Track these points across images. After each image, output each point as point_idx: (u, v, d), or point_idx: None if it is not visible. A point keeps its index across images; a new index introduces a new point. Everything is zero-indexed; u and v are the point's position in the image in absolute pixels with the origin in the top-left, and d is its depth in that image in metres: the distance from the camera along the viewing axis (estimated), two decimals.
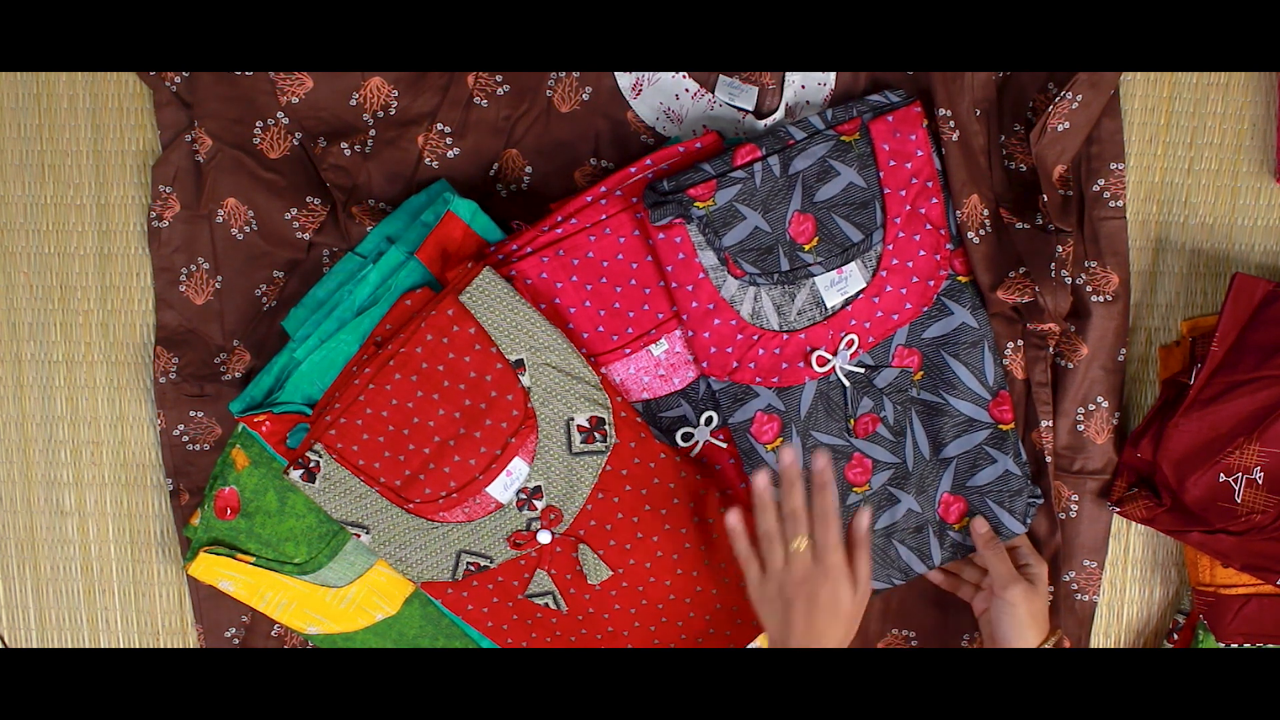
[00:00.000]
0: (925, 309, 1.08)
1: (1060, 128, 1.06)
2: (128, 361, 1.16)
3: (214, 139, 1.10)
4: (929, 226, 1.06)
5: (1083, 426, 1.11)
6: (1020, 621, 1.04)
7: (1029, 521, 1.10)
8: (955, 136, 1.06)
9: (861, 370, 1.07)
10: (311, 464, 1.04)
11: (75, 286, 1.16)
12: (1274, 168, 1.11)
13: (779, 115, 1.10)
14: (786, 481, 1.01)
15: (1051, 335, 1.09)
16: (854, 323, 1.07)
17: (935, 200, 1.06)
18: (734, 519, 1.03)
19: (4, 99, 1.14)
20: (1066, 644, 1.10)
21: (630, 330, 1.07)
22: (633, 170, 1.05)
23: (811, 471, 1.01)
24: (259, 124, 1.11)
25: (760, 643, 1.13)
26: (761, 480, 1.02)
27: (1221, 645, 1.10)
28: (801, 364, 1.06)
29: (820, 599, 0.98)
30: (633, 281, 1.06)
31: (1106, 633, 1.16)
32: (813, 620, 0.98)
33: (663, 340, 1.07)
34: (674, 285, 1.04)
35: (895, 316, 1.07)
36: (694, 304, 1.04)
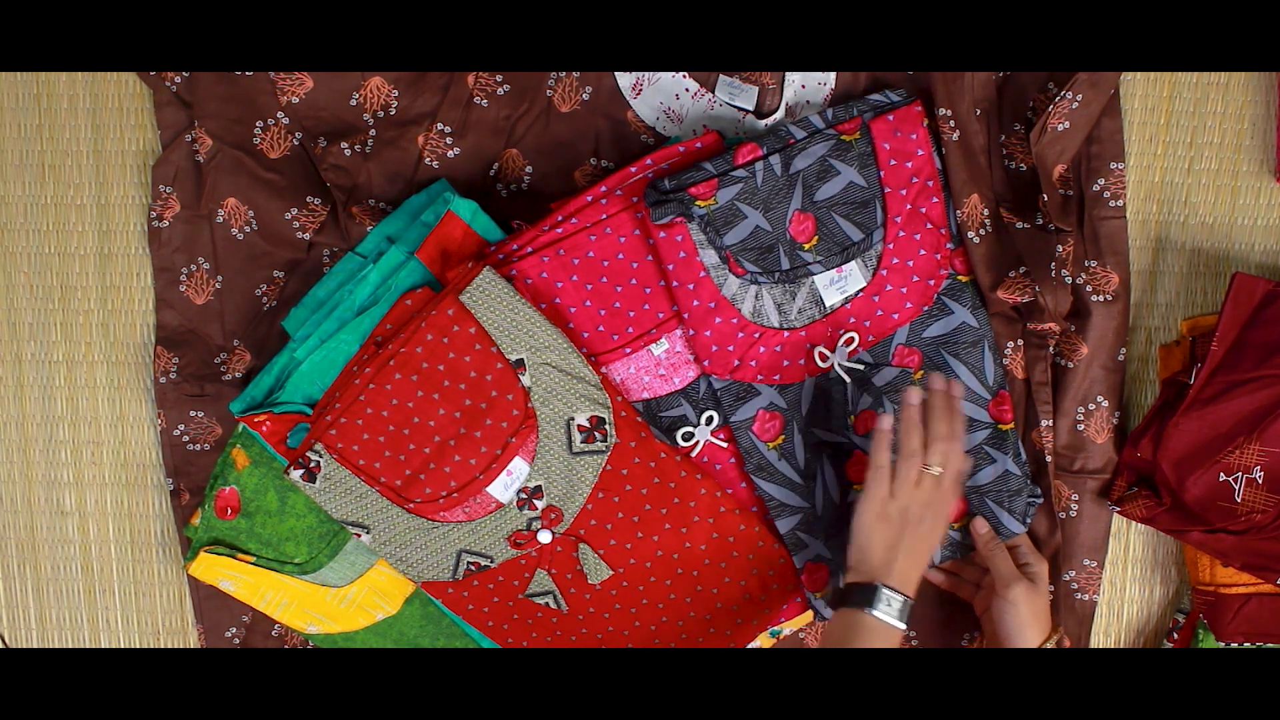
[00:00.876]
0: (925, 308, 1.08)
1: (1060, 127, 1.06)
2: (128, 361, 1.16)
3: (214, 139, 1.10)
4: (929, 226, 1.07)
5: (1083, 426, 1.11)
6: (1022, 620, 1.04)
7: (1029, 521, 1.10)
8: (955, 136, 1.06)
9: (860, 368, 1.07)
10: (312, 464, 1.04)
11: (75, 286, 1.16)
12: (1274, 167, 1.11)
13: (779, 115, 1.10)
14: (939, 407, 1.01)
15: (1051, 335, 1.09)
16: (853, 321, 1.07)
17: (936, 199, 1.06)
18: (887, 423, 1.01)
19: (4, 99, 1.14)
20: (1067, 643, 1.10)
21: (631, 330, 1.07)
22: (633, 170, 1.05)
23: (948, 397, 1.02)
24: (259, 124, 1.11)
25: (760, 642, 1.13)
26: (914, 396, 1.02)
27: (1221, 644, 1.10)
28: (802, 361, 1.07)
29: (931, 526, 1.00)
30: (633, 281, 1.06)
31: (1107, 632, 1.16)
32: (917, 547, 0.99)
33: (663, 340, 1.07)
34: (675, 284, 1.04)
35: (895, 316, 1.07)
36: (695, 302, 1.04)
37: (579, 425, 1.05)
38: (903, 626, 0.98)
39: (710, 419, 1.08)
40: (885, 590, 0.98)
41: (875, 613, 0.97)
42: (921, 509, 1.00)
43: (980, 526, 1.08)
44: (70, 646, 1.19)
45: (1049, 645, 1.04)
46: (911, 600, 0.98)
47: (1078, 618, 1.13)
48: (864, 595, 0.98)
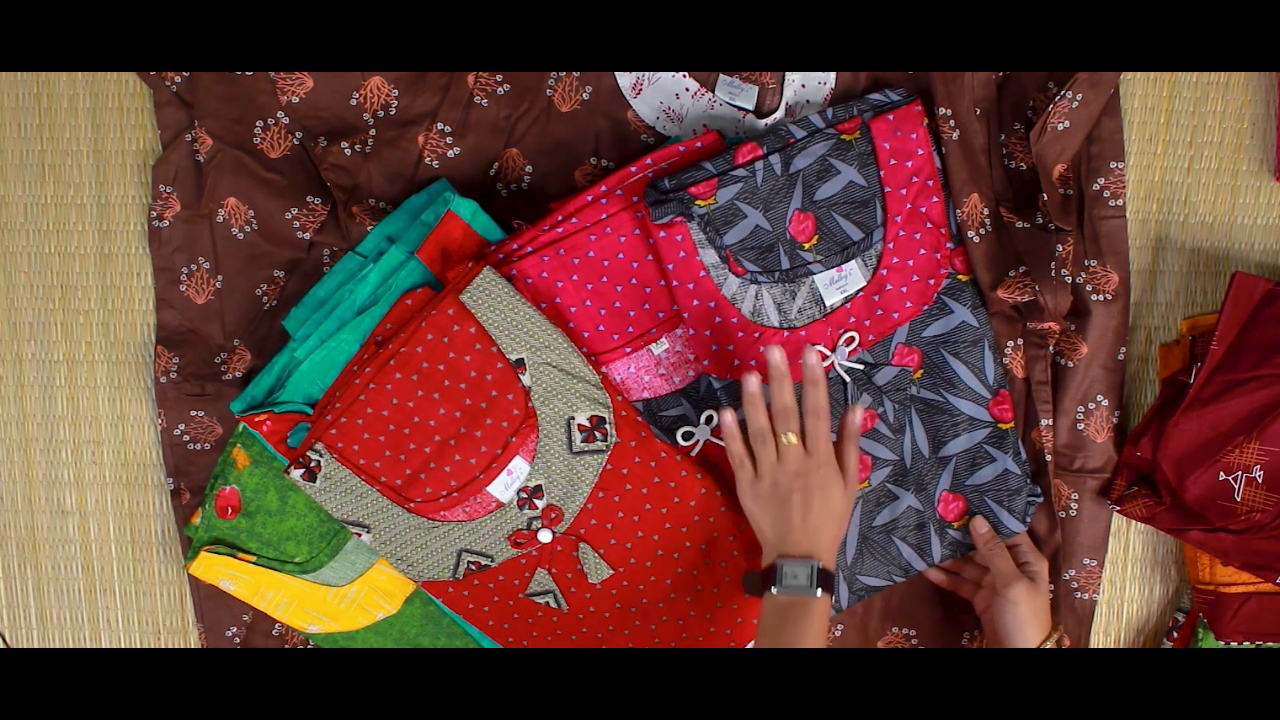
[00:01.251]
0: (925, 307, 1.08)
1: (1060, 127, 1.06)
2: (128, 361, 1.16)
3: (214, 139, 1.10)
4: (929, 225, 1.07)
5: (1082, 425, 1.11)
6: (1022, 619, 1.04)
7: (1028, 520, 1.10)
8: (955, 136, 1.06)
9: (860, 367, 1.07)
10: (312, 463, 1.04)
11: (76, 286, 1.16)
12: (1274, 167, 1.12)
13: (779, 115, 1.10)
14: (775, 378, 1.00)
15: (1051, 334, 1.09)
16: (853, 320, 1.07)
17: (936, 199, 1.06)
18: (730, 418, 1.01)
19: (4, 99, 1.14)
20: (1067, 642, 1.10)
21: (631, 329, 1.07)
22: (633, 169, 1.05)
23: (805, 368, 1.00)
24: (259, 124, 1.11)
25: None
26: (753, 381, 1.00)
27: (1221, 643, 1.10)
28: (802, 361, 1.06)
29: (813, 491, 0.98)
30: (633, 281, 1.06)
31: (1106, 631, 1.16)
32: (808, 514, 0.98)
33: (663, 339, 1.07)
34: (675, 283, 1.04)
35: (895, 315, 1.07)
36: (695, 302, 1.04)
37: (579, 425, 1.05)
38: (818, 593, 0.95)
39: (710, 419, 1.08)
40: (784, 564, 0.96)
41: (782, 587, 0.96)
42: (790, 479, 0.98)
43: (980, 526, 1.08)
44: (70, 646, 1.19)
45: (1049, 644, 1.04)
46: (820, 564, 0.96)
47: (1077, 617, 1.13)
48: (766, 576, 0.98)
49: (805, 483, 0.98)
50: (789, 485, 0.98)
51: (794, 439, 0.99)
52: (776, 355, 1.00)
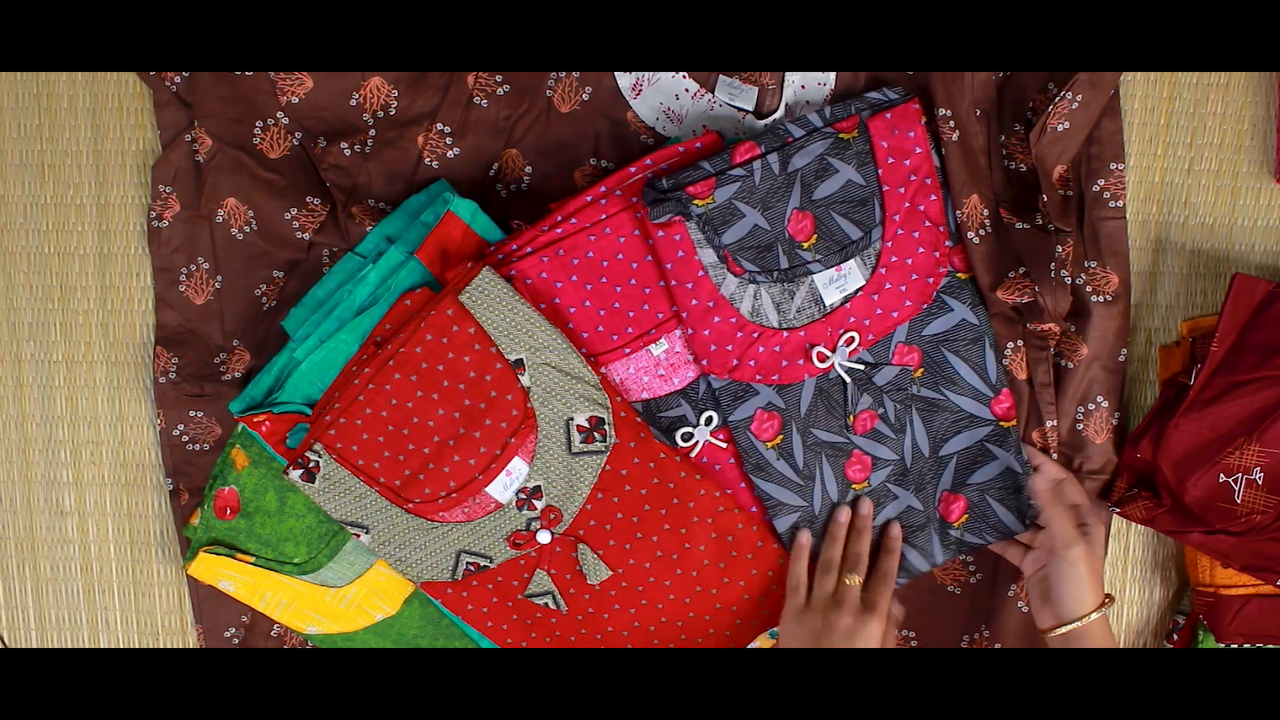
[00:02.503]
0: (925, 306, 1.08)
1: (1060, 128, 1.06)
2: (128, 361, 1.16)
3: (214, 139, 1.10)
4: (928, 223, 1.07)
5: (1082, 426, 1.11)
6: (1080, 583, 1.03)
7: (1029, 520, 1.10)
8: (955, 136, 1.06)
9: (861, 367, 1.07)
10: (311, 464, 1.04)
11: (75, 286, 1.16)
12: (1274, 168, 1.11)
13: (779, 115, 1.10)
14: (857, 528, 1.08)
15: (1051, 335, 1.09)
16: (853, 320, 1.07)
17: (934, 197, 1.06)
18: (805, 538, 1.07)
19: (4, 99, 1.14)
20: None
21: (630, 330, 1.07)
22: (633, 170, 1.05)
23: (887, 535, 1.09)
24: (259, 124, 1.11)
25: (760, 643, 1.13)
26: (843, 515, 1.07)
27: (1221, 645, 1.10)
28: (801, 361, 1.06)
29: (855, 639, 1.01)
30: (633, 281, 1.06)
31: None
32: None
33: (662, 340, 1.07)
34: (673, 283, 1.04)
35: (895, 314, 1.07)
36: (693, 302, 1.04)
37: (578, 425, 1.05)
38: None
39: (710, 419, 1.08)
40: None
41: None
42: (836, 621, 1.02)
43: (1041, 481, 1.08)
44: (70, 646, 1.19)
45: (1097, 615, 1.03)
46: None
47: None
48: None
49: (853, 626, 1.02)
50: (832, 628, 1.02)
51: (857, 582, 1.04)
52: (865, 508, 1.09)
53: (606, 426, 1.05)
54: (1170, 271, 1.13)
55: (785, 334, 1.06)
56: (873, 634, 1.02)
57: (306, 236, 1.12)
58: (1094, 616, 1.03)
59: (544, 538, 1.07)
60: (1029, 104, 1.09)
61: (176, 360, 1.13)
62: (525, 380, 1.04)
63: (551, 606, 1.10)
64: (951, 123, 1.06)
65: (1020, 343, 1.09)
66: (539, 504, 1.06)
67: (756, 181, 1.03)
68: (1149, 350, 1.13)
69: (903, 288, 1.07)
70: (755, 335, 1.05)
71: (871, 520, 1.09)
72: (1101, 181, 1.10)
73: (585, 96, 1.11)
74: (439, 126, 1.11)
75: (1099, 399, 1.11)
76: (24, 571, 1.19)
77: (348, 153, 1.11)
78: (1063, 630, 1.03)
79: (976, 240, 1.07)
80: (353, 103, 1.11)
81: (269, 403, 1.08)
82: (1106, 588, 1.14)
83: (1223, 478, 1.05)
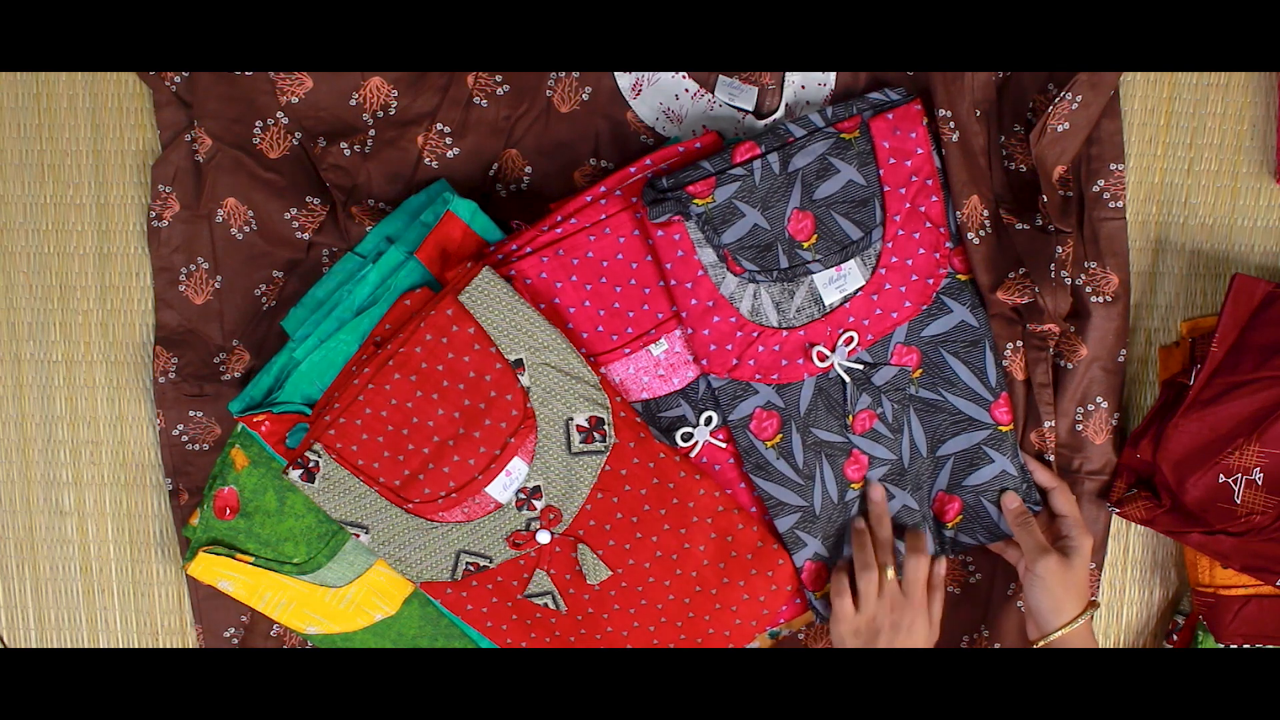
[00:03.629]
0: (924, 307, 1.08)
1: (1060, 128, 1.06)
2: (127, 361, 1.16)
3: (214, 139, 1.10)
4: (928, 224, 1.07)
5: (1082, 427, 1.11)
6: (1048, 595, 1.04)
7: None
8: (955, 137, 1.06)
9: (860, 367, 1.07)
10: (311, 464, 1.04)
11: (75, 286, 1.16)
12: (1274, 168, 1.12)
13: (779, 115, 1.10)
14: (876, 514, 1.09)
15: (1051, 336, 1.09)
16: (852, 320, 1.07)
17: (935, 198, 1.06)
18: (842, 583, 1.08)
19: (4, 99, 1.14)
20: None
21: (630, 330, 1.07)
22: (632, 170, 1.05)
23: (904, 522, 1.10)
24: (259, 124, 1.11)
25: (760, 643, 1.13)
26: (859, 524, 1.09)
27: (1221, 646, 1.10)
28: (801, 360, 1.06)
29: (900, 631, 1.05)
30: (632, 281, 1.06)
31: (1106, 633, 1.16)
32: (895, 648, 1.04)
33: (662, 340, 1.07)
34: (673, 283, 1.04)
35: (894, 314, 1.07)
36: (693, 301, 1.04)
37: (578, 425, 1.05)
38: None
39: (709, 419, 1.08)
40: None
41: None
42: (885, 617, 1.05)
43: (1010, 501, 1.09)
44: (68, 646, 1.19)
45: (1079, 622, 1.04)
46: None
47: None
48: None
49: (898, 619, 1.05)
50: (883, 622, 1.06)
51: (893, 573, 1.06)
52: (876, 493, 1.09)
53: (606, 426, 1.05)
54: (1170, 272, 1.13)
55: (785, 333, 1.06)
56: (915, 624, 1.05)
57: (306, 236, 1.12)
58: (1072, 627, 1.04)
59: (543, 538, 1.07)
60: (1029, 104, 1.09)
61: (176, 360, 1.13)
62: (525, 380, 1.04)
63: (551, 607, 1.10)
64: (951, 123, 1.06)
65: (1020, 343, 1.09)
66: (538, 504, 1.06)
67: (756, 181, 1.03)
68: (1149, 351, 1.13)
69: (902, 288, 1.07)
70: (755, 335, 1.05)
71: (886, 504, 1.09)
72: (1101, 182, 1.10)
73: (585, 97, 1.11)
74: (439, 126, 1.11)
75: (1099, 400, 1.11)
76: (23, 571, 1.19)
77: (348, 153, 1.11)
78: (1043, 642, 1.04)
79: (976, 241, 1.07)
80: (353, 103, 1.11)
81: (269, 403, 1.08)
82: (1106, 588, 1.15)
83: (1222, 478, 1.05)
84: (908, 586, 1.06)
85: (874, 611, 1.05)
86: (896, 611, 1.05)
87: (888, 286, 1.07)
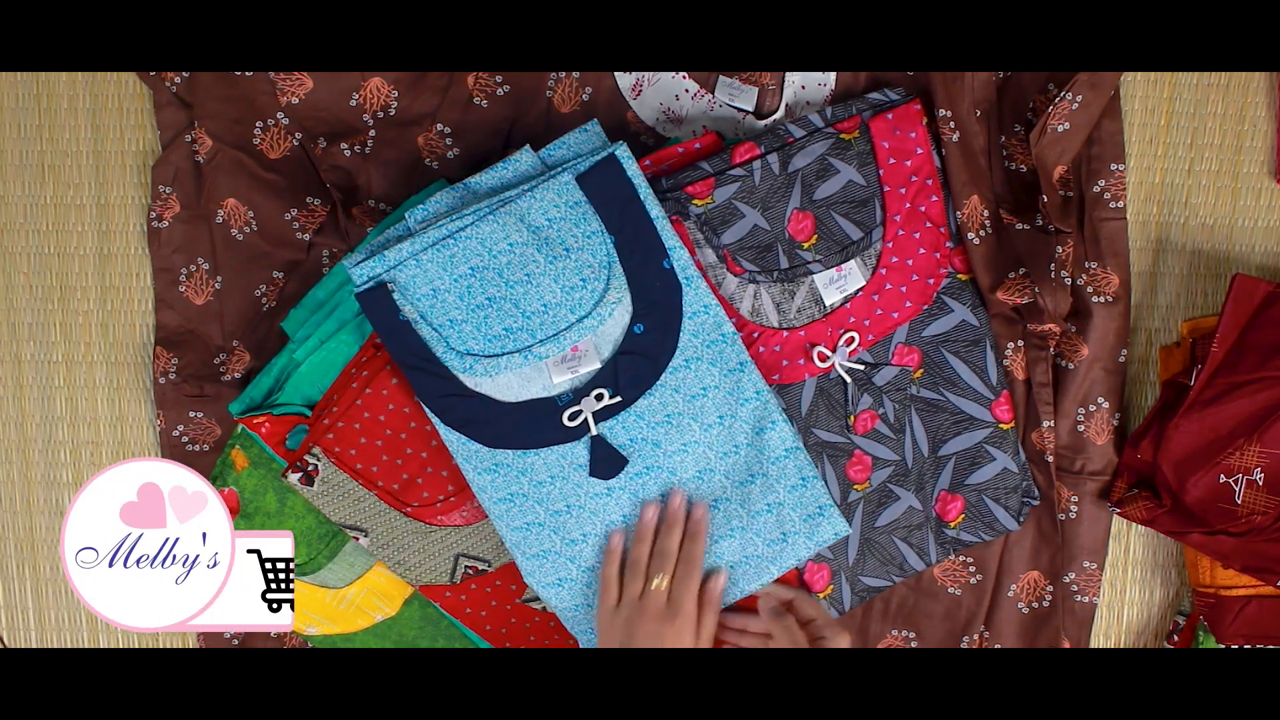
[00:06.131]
0: (925, 307, 1.07)
1: (1060, 128, 1.06)
2: (127, 362, 1.16)
3: (214, 139, 1.10)
4: (929, 224, 1.07)
5: (1083, 427, 1.11)
6: None
7: (1023, 519, 1.10)
8: (955, 137, 1.06)
9: (861, 368, 1.07)
10: (310, 467, 1.04)
11: (75, 287, 1.16)
12: (1274, 168, 1.11)
13: (779, 116, 1.10)
14: (668, 523, 1.03)
15: (1052, 336, 1.09)
16: (853, 320, 1.07)
17: (935, 198, 1.06)
18: (617, 541, 1.04)
19: (4, 99, 1.14)
20: None
21: None
22: None
23: (690, 521, 1.04)
24: (259, 124, 1.11)
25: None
26: (649, 513, 1.03)
27: (1222, 646, 1.10)
28: (802, 360, 1.06)
29: (662, 642, 0.99)
30: None
31: (1106, 634, 1.16)
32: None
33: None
34: None
35: (895, 314, 1.07)
36: None
37: None
38: None
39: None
40: None
41: None
42: (642, 623, 1.00)
43: (765, 603, 1.06)
44: (69, 647, 1.19)
45: None
46: None
47: (1077, 620, 1.13)
48: None
49: (657, 630, 1.00)
50: (638, 628, 1.00)
51: (665, 584, 1.01)
52: (676, 500, 1.03)
53: None
54: (1170, 272, 1.13)
55: (785, 334, 1.06)
56: (681, 636, 1.00)
57: (306, 237, 1.12)
58: None
59: None
60: (1029, 104, 1.09)
61: (176, 361, 1.13)
62: None
63: (550, 610, 1.10)
64: (952, 123, 1.06)
65: (1020, 343, 1.09)
66: None
67: (756, 181, 1.03)
68: (1149, 351, 1.13)
69: (903, 288, 1.07)
70: (755, 335, 1.05)
71: (683, 514, 1.04)
72: (1102, 182, 1.10)
73: (585, 97, 1.11)
74: (439, 127, 1.11)
75: (1099, 400, 1.11)
76: (24, 571, 1.19)
77: (348, 153, 1.11)
78: None
79: (976, 241, 1.07)
80: (353, 103, 1.11)
81: (269, 404, 1.08)
82: (1107, 588, 1.14)
83: (1223, 478, 1.05)
84: (675, 595, 1.01)
85: (630, 615, 1.01)
86: (657, 623, 1.00)
87: (888, 286, 1.07)
